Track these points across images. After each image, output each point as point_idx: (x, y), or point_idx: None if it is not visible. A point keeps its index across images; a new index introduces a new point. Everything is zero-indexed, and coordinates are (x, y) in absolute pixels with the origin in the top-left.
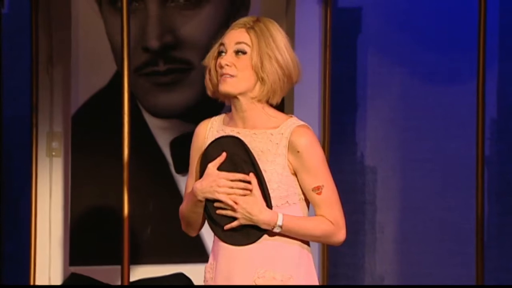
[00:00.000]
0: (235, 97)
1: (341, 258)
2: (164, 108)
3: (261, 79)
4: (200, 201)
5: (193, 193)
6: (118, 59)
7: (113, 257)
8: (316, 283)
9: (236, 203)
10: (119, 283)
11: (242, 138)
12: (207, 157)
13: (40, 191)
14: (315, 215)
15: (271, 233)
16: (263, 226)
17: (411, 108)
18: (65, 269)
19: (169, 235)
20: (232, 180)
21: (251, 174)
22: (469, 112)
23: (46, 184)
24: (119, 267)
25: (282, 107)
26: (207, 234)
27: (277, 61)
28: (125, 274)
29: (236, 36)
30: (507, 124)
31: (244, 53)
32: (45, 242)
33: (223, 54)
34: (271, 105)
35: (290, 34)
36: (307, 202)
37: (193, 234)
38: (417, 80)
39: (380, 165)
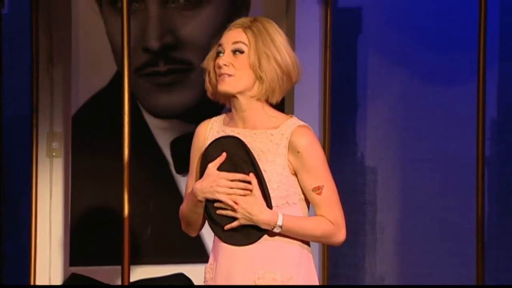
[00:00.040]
0: (234, 96)
1: (341, 259)
2: (165, 109)
3: (259, 78)
4: (200, 201)
5: (193, 193)
6: (119, 60)
7: (113, 258)
8: (316, 283)
9: (236, 203)
10: (119, 283)
11: (242, 138)
12: (207, 157)
13: (40, 192)
14: (315, 215)
15: (271, 233)
16: (263, 226)
17: (411, 108)
18: (65, 270)
19: (169, 236)
20: (232, 180)
21: (251, 174)
22: (469, 112)
23: (46, 185)
24: (119, 267)
25: (282, 107)
26: (207, 234)
27: (275, 59)
28: (125, 274)
29: (233, 36)
30: (507, 125)
31: (241, 52)
32: (45, 242)
33: (221, 54)
34: (271, 105)
35: (291, 35)
36: (307, 202)
37: (193, 234)
38: (417, 80)
39: (380, 165)
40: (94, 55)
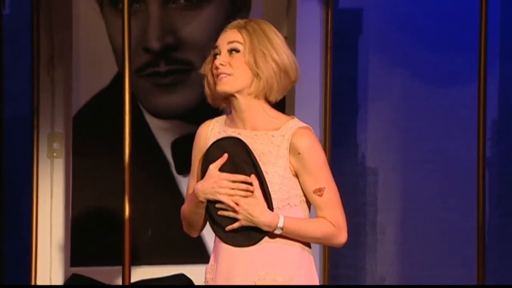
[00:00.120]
0: (233, 96)
1: (342, 259)
2: (165, 109)
3: (256, 75)
4: (202, 202)
5: (194, 194)
6: (119, 60)
7: (114, 258)
8: (317, 284)
9: (237, 204)
10: (120, 283)
11: (243, 139)
12: (208, 158)
13: (41, 192)
14: (317, 217)
15: (272, 235)
16: (264, 228)
17: (412, 109)
18: (66, 270)
19: (170, 236)
20: (233, 181)
21: (253, 176)
22: (470, 113)
23: (47, 185)
24: (120, 268)
25: (283, 108)
26: (208, 235)
27: (271, 57)
28: (126, 275)
29: (228, 36)
30: (508, 126)
31: (237, 51)
32: (46, 243)
33: (218, 56)
34: (272, 106)
35: (291, 35)
36: (308, 204)
37: (195, 235)
38: (418, 82)
39: (381, 167)
40: (95, 56)
